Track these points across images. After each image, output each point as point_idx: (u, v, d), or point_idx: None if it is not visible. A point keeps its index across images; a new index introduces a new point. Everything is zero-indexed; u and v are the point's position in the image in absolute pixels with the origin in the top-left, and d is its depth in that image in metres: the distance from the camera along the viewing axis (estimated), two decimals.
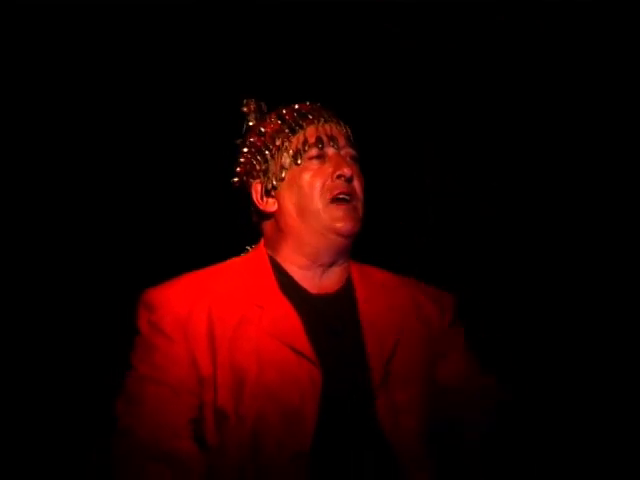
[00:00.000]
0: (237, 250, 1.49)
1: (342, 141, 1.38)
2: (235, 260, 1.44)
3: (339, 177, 1.34)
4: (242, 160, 1.43)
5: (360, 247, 1.46)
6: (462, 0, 2.30)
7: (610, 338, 2.29)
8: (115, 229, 2.19)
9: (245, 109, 1.49)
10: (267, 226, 1.42)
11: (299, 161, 1.35)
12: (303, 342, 1.27)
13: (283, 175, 1.36)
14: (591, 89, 2.32)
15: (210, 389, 1.24)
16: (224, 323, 1.28)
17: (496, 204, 2.40)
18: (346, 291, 1.39)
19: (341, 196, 1.34)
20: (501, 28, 2.33)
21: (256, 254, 1.41)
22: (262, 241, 1.43)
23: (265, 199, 1.39)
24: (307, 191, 1.34)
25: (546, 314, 2.36)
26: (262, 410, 1.22)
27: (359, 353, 1.31)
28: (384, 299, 1.39)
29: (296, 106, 1.42)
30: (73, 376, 2.10)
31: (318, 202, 1.33)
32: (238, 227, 1.50)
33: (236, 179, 1.45)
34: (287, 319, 1.30)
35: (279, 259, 1.38)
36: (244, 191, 1.43)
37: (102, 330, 2.10)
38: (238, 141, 1.47)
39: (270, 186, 1.37)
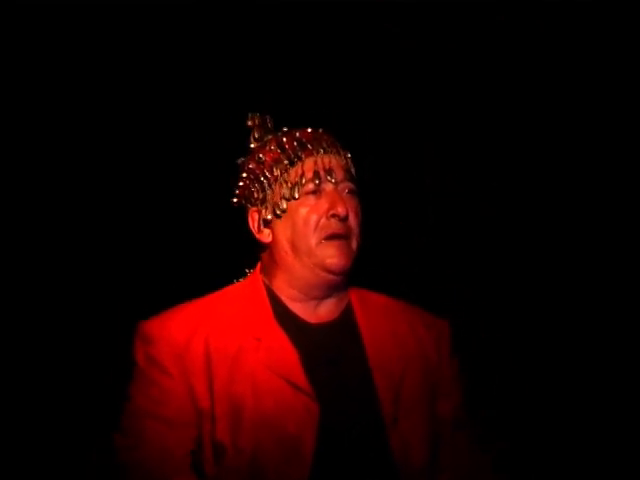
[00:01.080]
0: (237, 269, 1.49)
1: (340, 175, 1.35)
2: (231, 288, 1.43)
3: (333, 216, 1.33)
4: (241, 184, 1.42)
5: (360, 247, 1.45)
6: (462, 0, 2.30)
7: (610, 338, 2.29)
8: (113, 252, 2.18)
9: (250, 123, 1.47)
10: (263, 254, 1.41)
11: (296, 195, 1.33)
12: (299, 375, 1.27)
13: (279, 207, 1.34)
14: (591, 89, 2.32)
15: (208, 421, 1.24)
16: (221, 355, 1.28)
17: (496, 204, 2.40)
18: (346, 319, 1.38)
19: (334, 236, 1.33)
20: (501, 28, 2.33)
21: (252, 282, 1.41)
22: (258, 266, 1.43)
23: (261, 229, 1.38)
24: (301, 228, 1.32)
25: (546, 314, 2.37)
26: (260, 442, 1.22)
27: (364, 382, 1.30)
28: (386, 326, 1.38)
29: (297, 134, 1.39)
30: (74, 379, 2.10)
31: (311, 240, 1.32)
32: (237, 245, 1.50)
33: (235, 200, 1.45)
34: (283, 351, 1.29)
35: (274, 288, 1.37)
36: (243, 212, 1.43)
37: (102, 334, 2.10)
38: (239, 161, 1.46)
39: (267, 217, 1.37)
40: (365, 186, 1.44)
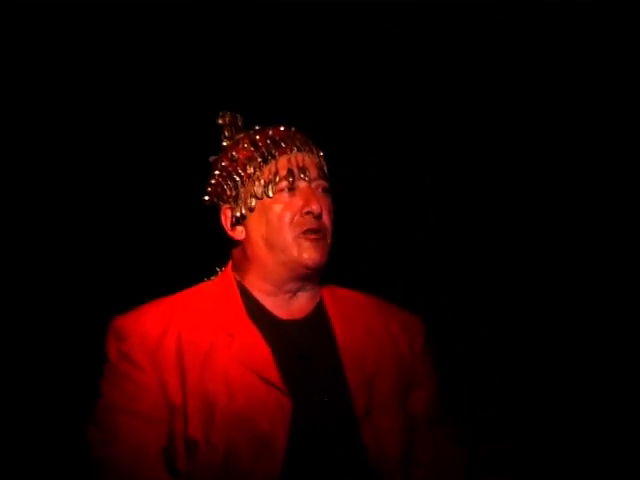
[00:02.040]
0: (207, 269, 1.49)
1: (313, 173, 1.37)
2: (203, 285, 1.44)
3: (308, 213, 1.33)
4: (213, 182, 1.43)
5: (360, 247, 1.45)
6: (462, 0, 2.30)
7: (609, 338, 2.29)
8: (85, 250, 2.18)
9: (220, 121, 1.47)
10: (235, 251, 1.42)
11: (270, 193, 1.34)
12: (271, 370, 1.28)
13: (253, 205, 1.35)
14: (591, 89, 2.32)
15: (180, 418, 1.25)
16: (193, 351, 1.28)
17: (496, 204, 2.40)
18: (318, 315, 1.39)
19: (309, 231, 1.34)
20: (501, 28, 2.33)
21: (224, 278, 1.42)
22: (230, 263, 1.43)
23: (234, 226, 1.39)
24: (275, 224, 1.33)
25: (546, 313, 2.37)
26: (232, 438, 1.22)
27: (337, 378, 1.31)
28: (359, 322, 1.39)
29: (270, 132, 1.40)
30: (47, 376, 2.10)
31: (286, 235, 1.33)
32: (207, 244, 1.50)
33: (207, 198, 1.45)
34: (256, 347, 1.30)
35: (246, 284, 1.38)
36: (214, 210, 1.43)
37: (74, 331, 2.10)
38: (211, 158, 1.47)
39: (239, 214, 1.37)
40: (365, 186, 1.44)
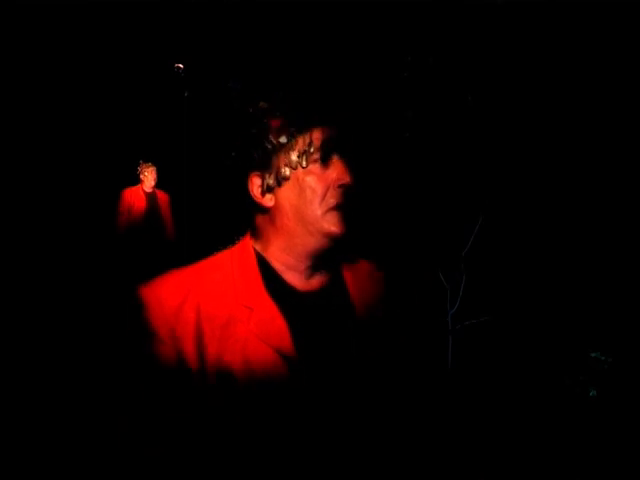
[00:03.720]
0: (226, 236, 1.48)
1: (344, 145, 1.37)
2: (221, 255, 1.42)
3: (341, 186, 1.33)
4: (239, 148, 1.41)
5: (360, 247, 1.45)
6: (462, 0, 2.30)
7: (609, 339, 2.30)
8: (102, 221, 2.19)
9: (230, 85, 1.46)
10: (259, 218, 1.38)
11: (304, 163, 1.33)
12: (289, 345, 1.28)
13: (287, 174, 1.35)
14: (591, 89, 2.32)
15: (197, 390, 1.25)
16: (212, 323, 1.29)
17: (496, 204, 2.41)
18: (335, 286, 1.37)
19: (341, 206, 1.34)
20: (501, 28, 2.33)
21: (242, 248, 1.39)
22: (249, 232, 1.42)
23: (263, 194, 1.38)
24: (309, 196, 1.31)
25: (546, 312, 2.37)
26: (248, 412, 1.23)
27: (354, 351, 1.31)
28: (373, 292, 1.39)
29: (300, 102, 1.36)
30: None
31: (318, 209, 1.31)
32: (225, 211, 1.49)
33: (229, 162, 1.43)
34: (274, 321, 1.30)
35: (266, 254, 1.37)
36: (237, 176, 1.42)
37: (94, 300, 2.10)
38: (232, 124, 1.45)
39: (271, 183, 1.36)
40: (365, 186, 1.44)
